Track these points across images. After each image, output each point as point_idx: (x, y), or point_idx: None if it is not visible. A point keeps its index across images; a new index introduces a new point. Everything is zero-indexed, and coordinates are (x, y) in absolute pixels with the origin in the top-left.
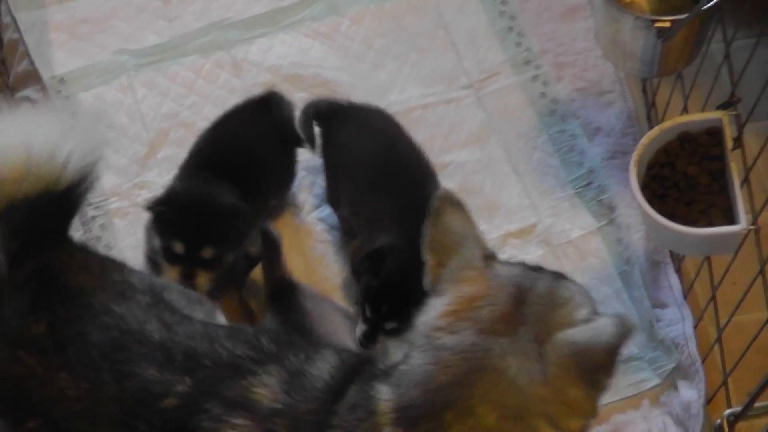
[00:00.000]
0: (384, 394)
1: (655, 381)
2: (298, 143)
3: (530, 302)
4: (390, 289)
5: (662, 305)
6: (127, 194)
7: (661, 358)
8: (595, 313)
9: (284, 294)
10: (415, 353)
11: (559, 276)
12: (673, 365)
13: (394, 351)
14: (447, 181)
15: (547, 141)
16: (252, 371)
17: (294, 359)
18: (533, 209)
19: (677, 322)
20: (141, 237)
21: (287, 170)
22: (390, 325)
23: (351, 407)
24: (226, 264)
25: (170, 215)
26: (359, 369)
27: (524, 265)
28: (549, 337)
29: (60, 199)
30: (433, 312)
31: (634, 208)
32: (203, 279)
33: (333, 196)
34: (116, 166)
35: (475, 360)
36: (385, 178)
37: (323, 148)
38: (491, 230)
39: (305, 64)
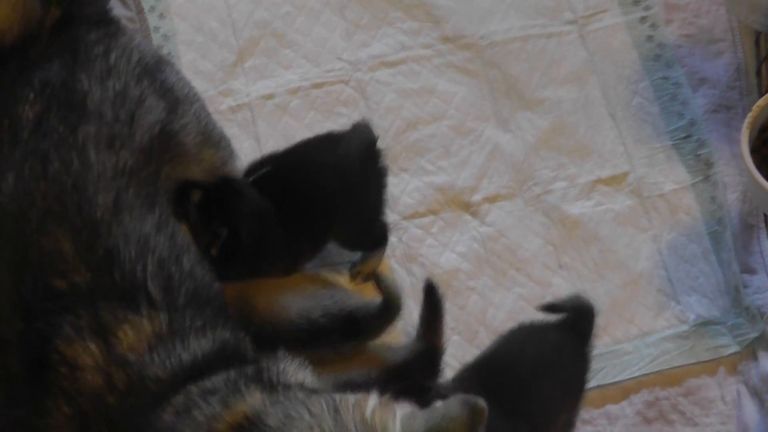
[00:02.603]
0: (254, 400)
1: (735, 348)
2: None
3: None
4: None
5: (751, 271)
6: (211, 101)
7: (744, 325)
8: None
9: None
10: (318, 410)
11: None
12: (756, 334)
13: (293, 370)
14: (541, 119)
15: (648, 87)
16: (138, 308)
17: (187, 321)
18: (627, 157)
19: (765, 290)
20: None
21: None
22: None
23: (207, 391)
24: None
25: None
26: (238, 363)
27: None
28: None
29: None
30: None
31: (732, 166)
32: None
33: None
34: (203, 72)
35: None
36: None
37: None
38: (581, 174)
39: None
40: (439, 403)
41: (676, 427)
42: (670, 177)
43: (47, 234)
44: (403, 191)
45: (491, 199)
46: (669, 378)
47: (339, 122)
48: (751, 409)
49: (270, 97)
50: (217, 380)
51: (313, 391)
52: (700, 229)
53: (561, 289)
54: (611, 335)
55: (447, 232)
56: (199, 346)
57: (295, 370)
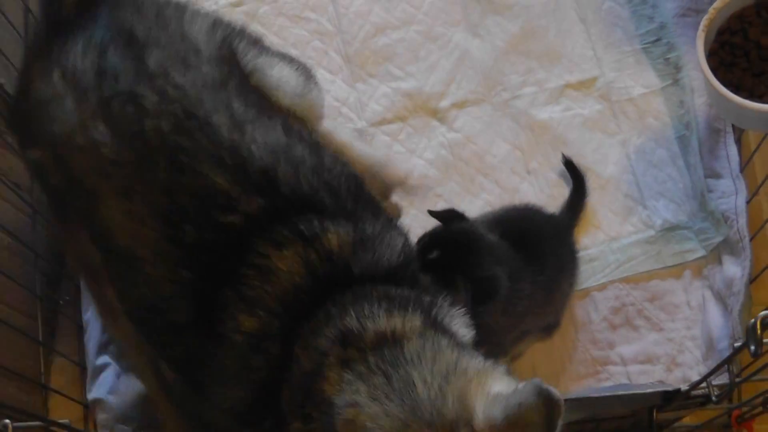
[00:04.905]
0: (411, 324)
1: (700, 253)
2: None
3: None
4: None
5: (717, 175)
6: None
7: (709, 230)
8: None
9: None
10: (438, 366)
11: None
12: (721, 239)
13: (456, 320)
14: (510, 23)
15: None
16: (334, 218)
17: (368, 227)
18: (596, 61)
19: (730, 194)
20: None
21: None
22: None
23: (385, 296)
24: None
25: None
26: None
27: None
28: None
29: None
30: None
31: (700, 70)
32: None
33: None
34: None
35: None
36: None
37: None
38: (550, 79)
39: None
40: (518, 386)
41: (642, 333)
42: (640, 81)
43: (187, 172)
44: (371, 97)
45: (459, 105)
46: (635, 283)
47: (308, 27)
48: (715, 314)
49: (238, 4)
50: (398, 292)
51: (457, 347)
52: (669, 134)
53: (528, 194)
54: (578, 241)
55: (414, 138)
56: (394, 241)
57: (457, 321)
